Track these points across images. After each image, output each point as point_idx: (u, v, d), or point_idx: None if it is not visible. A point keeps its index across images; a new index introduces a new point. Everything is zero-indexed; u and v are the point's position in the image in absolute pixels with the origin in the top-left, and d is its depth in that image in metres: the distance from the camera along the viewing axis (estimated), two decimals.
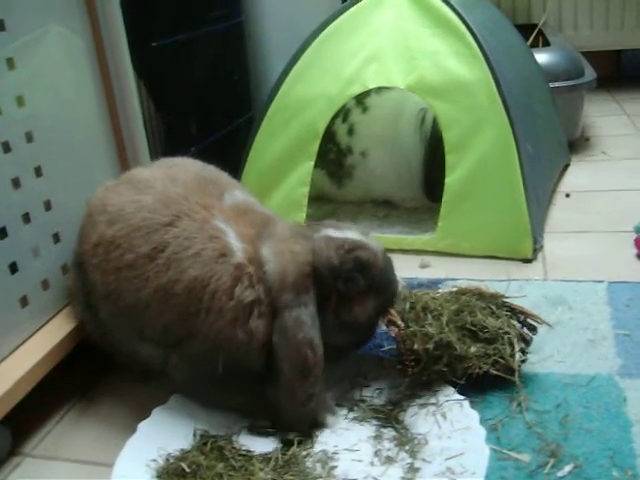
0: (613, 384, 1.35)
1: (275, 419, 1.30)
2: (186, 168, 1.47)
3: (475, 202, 1.93)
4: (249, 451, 1.24)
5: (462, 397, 1.29)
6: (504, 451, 1.20)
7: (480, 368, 1.30)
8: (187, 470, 1.16)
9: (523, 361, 1.36)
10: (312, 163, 2.08)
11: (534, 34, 3.01)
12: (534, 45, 2.93)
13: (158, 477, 1.17)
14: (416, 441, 1.23)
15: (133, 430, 1.26)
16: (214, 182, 1.43)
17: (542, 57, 2.67)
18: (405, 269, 1.86)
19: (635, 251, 1.86)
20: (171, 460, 1.20)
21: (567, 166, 2.60)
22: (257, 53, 2.53)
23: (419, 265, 1.92)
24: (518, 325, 1.38)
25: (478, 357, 1.30)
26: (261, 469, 1.18)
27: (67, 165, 1.55)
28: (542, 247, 1.94)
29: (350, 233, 1.33)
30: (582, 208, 2.21)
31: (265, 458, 1.22)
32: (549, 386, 1.36)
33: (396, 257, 1.93)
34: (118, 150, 1.73)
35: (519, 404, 1.31)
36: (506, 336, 1.33)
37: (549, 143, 2.36)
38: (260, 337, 1.26)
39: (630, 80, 3.75)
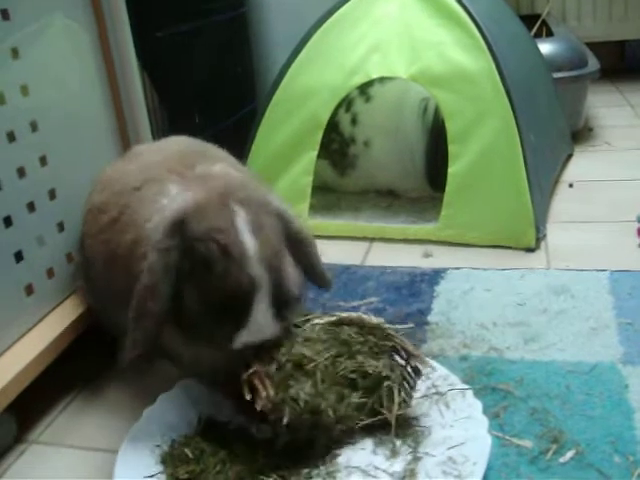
0: (615, 372, 1.35)
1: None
2: (179, 142, 1.50)
3: (478, 192, 1.93)
4: (252, 438, 1.24)
5: (466, 386, 1.29)
6: (506, 438, 1.21)
7: (359, 422, 1.19)
8: (190, 456, 1.16)
9: (406, 411, 1.22)
10: (315, 153, 2.09)
11: (537, 24, 3.01)
12: (537, 35, 2.93)
13: (162, 462, 1.17)
14: (419, 431, 1.23)
15: (138, 417, 1.26)
16: (198, 153, 1.42)
17: (545, 47, 2.67)
18: (408, 259, 1.89)
19: (638, 240, 1.86)
20: (175, 446, 1.20)
21: (570, 156, 2.60)
22: (260, 44, 2.54)
23: (422, 255, 1.92)
24: (402, 362, 1.24)
25: (357, 409, 1.19)
26: (264, 456, 1.18)
27: (71, 155, 1.55)
28: (545, 236, 1.95)
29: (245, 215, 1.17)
30: (585, 198, 2.22)
31: (268, 445, 1.22)
32: (551, 373, 1.36)
33: (399, 247, 1.98)
34: (122, 140, 1.74)
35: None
36: (387, 384, 1.20)
37: (552, 133, 2.36)
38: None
39: (634, 71, 3.74)
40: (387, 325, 1.26)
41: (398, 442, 1.20)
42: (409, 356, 1.23)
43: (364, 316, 1.27)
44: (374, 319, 1.26)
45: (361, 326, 1.25)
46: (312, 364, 1.17)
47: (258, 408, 1.12)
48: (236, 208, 1.17)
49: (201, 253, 1.14)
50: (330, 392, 1.15)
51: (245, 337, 1.15)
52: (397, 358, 1.24)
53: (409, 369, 1.23)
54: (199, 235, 1.15)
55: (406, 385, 1.22)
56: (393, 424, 1.18)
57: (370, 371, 1.19)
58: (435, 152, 2.15)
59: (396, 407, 1.18)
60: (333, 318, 1.27)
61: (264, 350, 1.17)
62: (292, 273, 1.27)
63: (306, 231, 1.34)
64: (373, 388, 1.19)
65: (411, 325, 1.43)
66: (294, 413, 1.12)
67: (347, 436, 1.20)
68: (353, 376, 1.19)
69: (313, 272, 1.36)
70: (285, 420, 1.11)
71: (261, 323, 1.15)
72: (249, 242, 1.14)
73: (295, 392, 1.13)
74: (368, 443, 1.22)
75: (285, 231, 1.26)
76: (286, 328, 1.21)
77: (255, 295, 1.14)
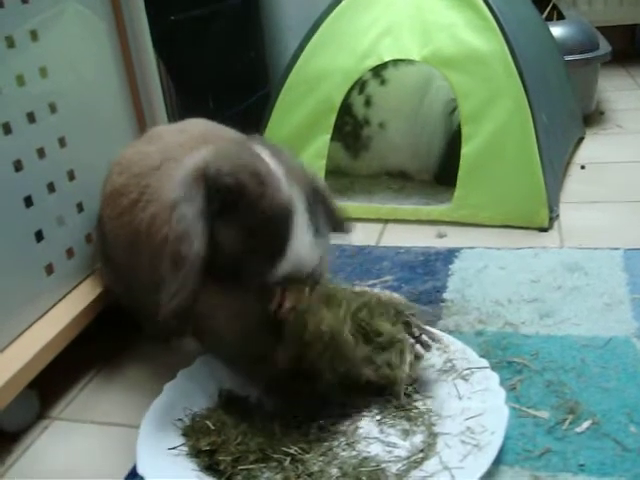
0: (630, 345, 1.37)
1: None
2: (199, 124, 1.50)
3: (491, 172, 1.94)
4: (273, 412, 1.26)
5: (482, 360, 1.31)
6: (523, 409, 1.23)
7: (363, 375, 1.21)
8: (212, 428, 1.18)
9: (411, 376, 1.25)
10: (329, 136, 2.10)
11: (549, 8, 3.01)
12: (548, 19, 2.93)
13: (184, 435, 1.19)
14: (436, 402, 1.25)
15: (159, 392, 1.28)
16: (220, 136, 1.42)
17: (557, 30, 2.67)
18: (423, 239, 1.90)
19: None
20: (197, 419, 1.22)
21: (582, 139, 2.60)
22: (273, 28, 2.55)
23: (436, 235, 1.94)
24: (412, 341, 1.27)
25: (364, 362, 1.20)
26: (283, 429, 1.20)
27: (90, 137, 1.57)
28: (558, 216, 1.96)
29: (273, 170, 1.15)
30: (597, 179, 2.22)
31: (287, 419, 1.24)
32: (567, 347, 1.38)
33: (413, 228, 2.00)
34: (139, 123, 1.76)
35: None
36: (398, 344, 1.23)
37: (564, 115, 2.36)
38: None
39: None
40: (410, 307, 1.29)
41: (416, 413, 1.23)
42: (420, 330, 1.27)
43: (387, 292, 1.32)
44: (395, 295, 1.31)
45: (379, 299, 1.27)
46: (340, 300, 1.20)
47: (279, 317, 1.14)
48: (257, 147, 1.18)
49: (231, 186, 1.13)
50: (349, 328, 1.18)
51: (285, 265, 1.13)
52: (412, 330, 1.27)
53: (418, 345, 1.27)
54: (226, 172, 1.14)
55: (415, 354, 1.25)
56: (402, 380, 1.21)
57: (384, 331, 1.22)
58: (453, 154, 2.14)
59: (407, 367, 1.21)
60: (358, 289, 1.29)
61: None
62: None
63: (321, 180, 1.34)
64: (384, 347, 1.22)
65: (430, 310, 1.51)
66: (313, 332, 1.14)
67: (354, 390, 1.23)
68: (368, 329, 1.21)
69: (332, 217, 1.35)
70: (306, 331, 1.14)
71: (301, 250, 1.14)
72: (278, 169, 1.14)
73: (319, 315, 1.16)
74: (384, 414, 1.24)
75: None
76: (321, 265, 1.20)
77: (292, 214, 1.13)
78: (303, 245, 1.14)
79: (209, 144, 1.33)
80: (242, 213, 1.13)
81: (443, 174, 2.20)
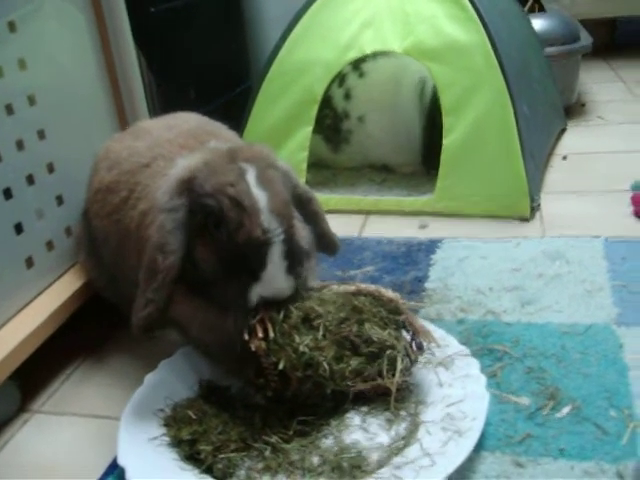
0: (610, 332, 1.38)
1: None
2: (188, 119, 1.49)
3: (473, 163, 1.95)
4: (253, 401, 1.25)
5: (463, 347, 1.31)
6: (504, 395, 1.23)
7: (354, 386, 1.18)
8: (193, 417, 1.18)
9: (405, 381, 1.22)
10: (310, 128, 2.11)
11: (530, 1, 3.01)
12: (530, 12, 2.93)
13: (165, 425, 1.19)
14: (418, 391, 1.25)
15: (140, 384, 1.28)
16: (209, 132, 1.42)
17: (538, 23, 2.68)
18: (405, 230, 1.91)
19: (631, 209, 1.88)
20: (178, 409, 1.22)
21: (564, 130, 2.61)
22: (254, 21, 2.55)
23: (418, 226, 1.94)
24: (408, 338, 1.24)
25: (356, 373, 1.18)
26: (264, 418, 1.20)
27: (69, 129, 1.56)
28: (539, 206, 1.96)
29: (263, 187, 1.15)
30: (579, 170, 2.23)
31: (268, 409, 1.23)
32: (547, 334, 1.39)
33: (395, 219, 2.00)
34: (119, 116, 1.75)
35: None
36: (389, 352, 1.20)
37: (545, 106, 2.37)
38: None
39: (625, 47, 3.77)
40: (402, 300, 1.26)
41: (398, 405, 1.21)
42: (415, 332, 1.24)
43: (382, 289, 1.27)
44: (390, 293, 1.26)
45: (377, 298, 1.25)
46: (318, 320, 1.17)
47: (252, 348, 1.12)
48: (244, 165, 1.17)
49: (211, 207, 1.14)
50: (330, 350, 1.15)
51: (259, 290, 1.14)
52: (404, 332, 1.24)
53: (413, 344, 1.24)
54: (208, 190, 1.14)
55: (407, 358, 1.22)
56: (393, 391, 1.18)
57: (375, 339, 1.19)
58: (431, 132, 2.16)
59: (398, 375, 1.18)
60: (352, 288, 1.27)
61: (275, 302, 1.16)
62: (301, 228, 1.28)
63: (312, 193, 1.35)
64: (375, 355, 1.20)
65: (422, 304, 1.51)
66: (289, 361, 1.12)
67: (341, 400, 1.20)
68: (357, 340, 1.19)
69: (321, 232, 1.37)
70: (280, 365, 1.12)
71: (275, 276, 1.14)
72: (259, 194, 1.14)
73: (295, 342, 1.13)
74: (367, 408, 1.23)
75: (292, 190, 1.25)
76: (300, 286, 1.20)
77: (268, 246, 1.13)
78: (275, 276, 1.14)
79: (198, 141, 1.34)
80: (219, 236, 1.14)
81: (427, 158, 2.21)
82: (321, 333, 1.16)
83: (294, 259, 1.18)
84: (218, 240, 1.14)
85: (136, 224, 1.28)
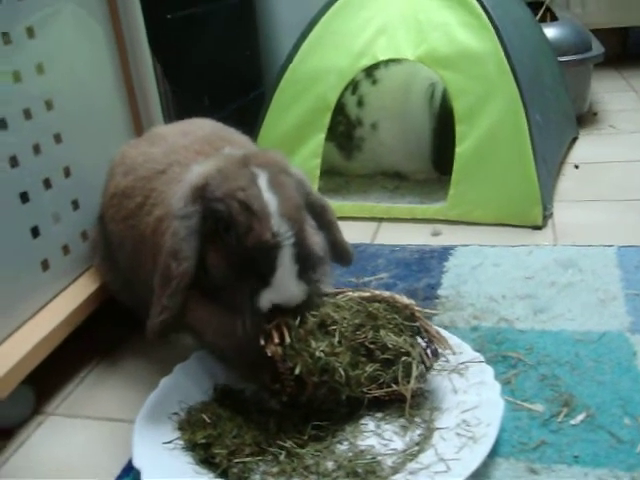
0: (623, 340, 1.38)
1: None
2: (202, 125, 1.49)
3: (485, 171, 1.95)
4: (267, 405, 1.26)
5: (477, 354, 1.31)
6: (518, 402, 1.23)
7: (369, 393, 1.19)
8: (208, 421, 1.18)
9: (420, 388, 1.22)
10: (323, 135, 2.12)
11: (542, 10, 3.02)
12: (542, 21, 2.94)
13: (180, 429, 1.20)
14: (433, 398, 1.25)
15: (154, 388, 1.29)
16: (224, 139, 1.42)
17: (550, 32, 2.69)
18: (417, 237, 1.91)
19: None
20: (192, 413, 1.22)
21: (575, 139, 2.62)
22: (268, 28, 2.56)
23: (431, 233, 1.94)
24: (423, 344, 1.24)
25: (371, 380, 1.19)
26: (279, 423, 1.20)
27: (86, 134, 1.58)
28: (552, 214, 1.96)
29: (271, 192, 1.15)
30: (591, 178, 2.24)
31: (282, 413, 1.23)
32: (561, 342, 1.39)
33: (408, 226, 2.01)
34: (134, 122, 1.76)
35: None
36: (405, 358, 1.20)
37: (558, 115, 2.37)
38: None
39: (637, 57, 3.77)
40: (418, 307, 1.26)
41: (413, 412, 1.21)
42: (430, 338, 1.24)
43: (397, 296, 1.26)
44: (405, 299, 1.26)
45: (392, 305, 1.25)
46: (334, 326, 1.17)
47: (268, 354, 1.13)
48: (256, 170, 1.18)
49: (222, 212, 1.14)
50: (346, 356, 1.16)
51: (270, 295, 1.14)
52: (419, 339, 1.24)
53: (428, 351, 1.24)
54: (219, 195, 1.15)
55: (422, 364, 1.22)
56: (408, 397, 1.18)
57: (390, 345, 1.20)
58: (441, 136, 2.17)
59: (413, 381, 1.18)
60: (366, 294, 1.27)
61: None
62: (314, 234, 1.28)
63: (326, 201, 1.35)
64: (390, 362, 1.20)
65: (436, 311, 1.51)
66: (305, 366, 1.12)
67: (356, 406, 1.21)
68: (372, 347, 1.19)
69: (335, 242, 1.36)
70: (297, 370, 1.12)
71: (286, 281, 1.14)
72: (270, 198, 1.14)
73: (311, 347, 1.13)
74: (382, 414, 1.23)
75: (305, 198, 1.25)
76: (313, 292, 1.20)
77: (278, 250, 1.13)
78: (286, 281, 1.14)
79: (213, 147, 1.35)
80: (229, 241, 1.14)
81: (438, 163, 2.23)
82: (337, 339, 1.16)
83: (305, 264, 1.17)
84: (228, 245, 1.15)
85: (152, 230, 1.29)
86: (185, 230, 1.17)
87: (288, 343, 1.13)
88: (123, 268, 1.44)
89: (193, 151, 1.35)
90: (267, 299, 1.14)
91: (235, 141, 1.44)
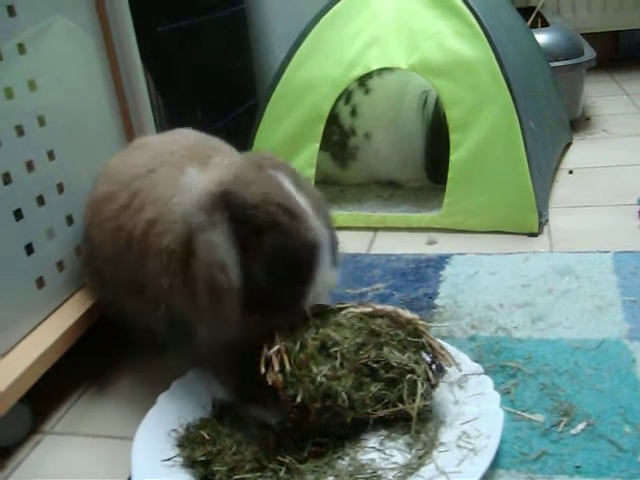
0: (622, 347, 1.37)
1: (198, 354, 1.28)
2: (188, 135, 1.50)
3: (480, 178, 1.95)
4: (267, 422, 1.25)
5: (476, 364, 1.31)
6: (518, 412, 1.23)
7: (374, 413, 1.17)
8: (207, 437, 1.18)
9: (426, 406, 1.20)
10: (317, 145, 2.11)
11: (533, 15, 3.03)
12: (533, 27, 2.95)
13: (179, 446, 1.19)
14: (437, 413, 1.24)
15: (152, 404, 1.28)
16: (210, 147, 1.42)
17: (541, 37, 2.69)
18: (413, 246, 1.91)
19: (639, 222, 1.88)
20: (191, 429, 1.22)
21: (569, 145, 2.62)
22: (260, 39, 2.56)
23: (426, 242, 1.94)
24: (429, 359, 1.22)
25: (375, 400, 1.17)
26: (278, 438, 1.19)
27: (79, 150, 1.57)
28: (547, 221, 1.96)
29: (299, 202, 1.16)
30: (586, 184, 2.24)
31: (283, 429, 1.23)
32: (559, 350, 1.38)
33: (403, 235, 2.00)
34: (127, 135, 1.75)
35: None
36: (410, 376, 1.18)
37: (551, 121, 2.38)
38: (182, 289, 1.21)
39: (629, 60, 3.78)
40: (421, 321, 1.25)
41: (419, 429, 1.19)
42: (435, 354, 1.23)
43: (399, 310, 1.25)
44: (408, 314, 1.25)
45: (395, 319, 1.24)
46: (336, 348, 1.16)
47: (269, 382, 1.12)
48: (274, 173, 1.19)
49: (260, 218, 1.14)
50: (348, 378, 1.15)
51: (310, 297, 1.17)
52: (424, 354, 1.23)
53: (433, 367, 1.22)
54: (253, 202, 1.14)
55: (428, 382, 1.20)
56: (414, 416, 1.17)
57: (394, 363, 1.18)
58: (434, 145, 2.17)
59: (418, 400, 1.17)
60: (368, 309, 1.26)
61: (290, 329, 1.17)
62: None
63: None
64: (395, 381, 1.18)
65: (433, 322, 1.50)
66: (307, 392, 1.12)
67: (362, 426, 1.19)
68: (376, 366, 1.18)
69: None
70: (298, 398, 1.11)
71: (325, 274, 1.18)
72: (303, 200, 1.16)
73: (312, 372, 1.13)
74: (387, 432, 1.21)
75: None
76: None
77: (318, 248, 1.16)
78: (325, 275, 1.18)
79: (201, 155, 1.34)
80: (270, 246, 1.14)
81: (431, 171, 2.22)
82: (339, 361, 1.15)
83: (335, 252, 1.22)
84: (267, 251, 1.14)
85: (142, 232, 1.28)
86: (222, 241, 1.15)
87: (289, 370, 1.12)
88: (104, 276, 1.43)
89: (181, 156, 1.35)
90: (311, 296, 1.17)
91: (221, 149, 1.44)
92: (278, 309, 1.18)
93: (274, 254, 1.15)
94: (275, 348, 1.14)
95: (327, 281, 1.19)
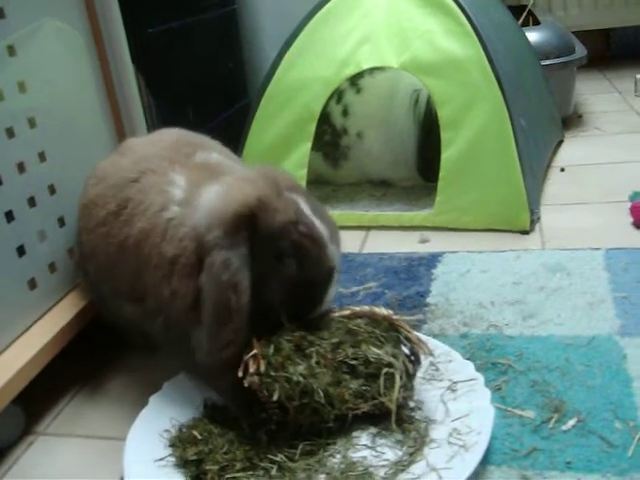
0: (613, 343, 1.38)
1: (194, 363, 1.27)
2: (171, 133, 1.51)
3: (471, 177, 1.96)
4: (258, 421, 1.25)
5: (467, 361, 1.31)
6: (509, 409, 1.23)
7: (356, 409, 1.18)
8: (199, 437, 1.18)
9: (405, 397, 1.22)
10: (309, 145, 2.11)
11: (524, 14, 3.03)
12: (524, 25, 2.95)
13: (171, 446, 1.19)
14: (426, 407, 1.25)
15: (144, 405, 1.28)
16: (193, 144, 1.43)
17: (533, 36, 2.70)
18: (405, 245, 1.91)
19: (631, 219, 1.89)
20: (183, 429, 1.22)
21: (561, 142, 2.62)
22: (251, 39, 2.56)
23: (419, 240, 1.94)
24: (407, 351, 1.24)
25: (357, 396, 1.18)
26: (270, 437, 1.19)
27: (70, 151, 1.57)
28: (539, 219, 1.97)
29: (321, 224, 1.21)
30: (577, 181, 2.24)
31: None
32: (550, 347, 1.39)
33: (396, 233, 2.01)
34: (118, 137, 1.75)
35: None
36: (387, 370, 1.19)
37: (542, 119, 2.38)
38: (184, 298, 1.22)
39: (620, 58, 3.78)
40: (396, 316, 1.26)
41: (408, 427, 1.20)
42: (412, 345, 1.24)
43: (375, 308, 1.27)
44: (384, 310, 1.26)
45: (372, 318, 1.26)
46: (311, 348, 1.18)
47: (245, 384, 1.13)
48: (291, 196, 1.20)
49: (284, 247, 1.17)
50: (325, 376, 1.16)
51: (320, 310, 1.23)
52: (402, 347, 1.24)
53: (412, 357, 1.23)
54: (278, 230, 1.17)
55: (406, 373, 1.21)
56: (393, 408, 1.17)
57: (372, 359, 1.20)
58: (426, 143, 2.18)
59: (396, 392, 1.18)
60: (347, 312, 1.27)
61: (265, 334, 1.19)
62: None
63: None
64: (374, 375, 1.19)
65: (419, 317, 1.51)
66: (284, 392, 1.13)
67: (344, 422, 1.19)
68: (354, 363, 1.19)
69: None
70: (275, 397, 1.12)
71: (333, 292, 1.24)
72: (322, 227, 1.20)
73: (288, 372, 1.14)
74: (377, 429, 1.22)
75: None
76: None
77: (334, 271, 1.22)
78: (332, 294, 1.24)
79: (182, 154, 1.37)
80: (290, 273, 1.18)
81: (423, 169, 2.23)
82: (314, 360, 1.16)
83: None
84: (286, 273, 1.18)
85: (135, 242, 1.29)
86: (238, 261, 1.16)
87: (264, 371, 1.13)
88: (97, 279, 1.43)
89: (164, 159, 1.36)
90: (315, 313, 1.23)
91: (205, 145, 1.46)
92: (281, 326, 1.20)
93: (294, 280, 1.19)
94: (251, 353, 1.15)
95: (330, 298, 1.24)
